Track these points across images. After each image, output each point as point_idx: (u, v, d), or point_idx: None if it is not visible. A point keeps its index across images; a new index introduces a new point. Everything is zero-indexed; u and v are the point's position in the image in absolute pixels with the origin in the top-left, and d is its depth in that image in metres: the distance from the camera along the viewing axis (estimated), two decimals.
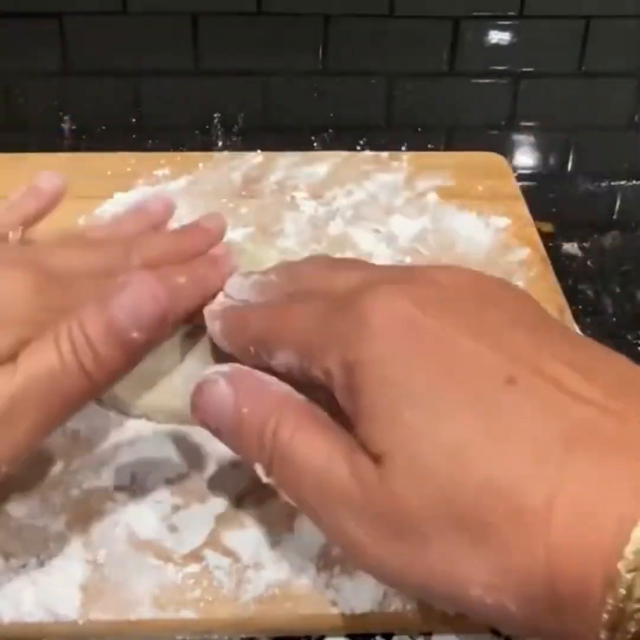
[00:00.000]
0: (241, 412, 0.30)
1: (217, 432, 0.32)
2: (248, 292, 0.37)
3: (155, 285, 0.30)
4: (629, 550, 0.22)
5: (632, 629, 0.23)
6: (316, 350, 0.30)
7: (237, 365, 0.32)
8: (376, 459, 0.27)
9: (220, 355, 0.40)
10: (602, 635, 0.23)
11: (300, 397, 0.31)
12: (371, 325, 0.28)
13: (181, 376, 0.40)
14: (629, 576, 0.22)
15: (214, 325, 0.37)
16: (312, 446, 0.28)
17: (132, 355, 0.31)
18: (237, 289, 0.38)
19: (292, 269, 0.37)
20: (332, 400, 0.30)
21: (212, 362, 0.40)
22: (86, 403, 0.31)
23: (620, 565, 0.22)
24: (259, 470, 0.30)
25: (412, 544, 0.26)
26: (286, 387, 0.31)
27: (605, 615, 0.23)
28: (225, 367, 0.32)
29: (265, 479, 0.30)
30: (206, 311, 0.38)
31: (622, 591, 0.22)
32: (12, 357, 0.30)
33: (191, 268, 0.38)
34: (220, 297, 0.39)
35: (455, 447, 0.25)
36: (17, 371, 0.29)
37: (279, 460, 0.29)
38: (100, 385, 0.31)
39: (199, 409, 0.32)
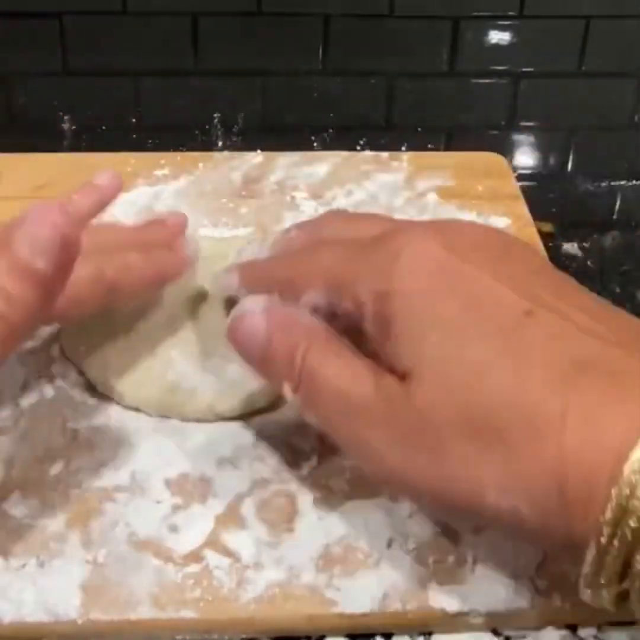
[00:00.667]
0: (272, 340, 0.33)
1: (249, 359, 0.34)
2: (267, 252, 0.39)
3: (51, 210, 0.29)
4: (634, 454, 0.25)
5: (632, 525, 0.25)
6: (348, 282, 0.32)
7: (272, 297, 0.34)
8: (402, 376, 0.29)
9: (218, 351, 0.40)
10: (605, 532, 0.25)
11: (327, 327, 0.33)
12: (405, 260, 0.30)
13: (174, 370, 0.40)
14: (633, 477, 0.24)
15: (230, 278, 0.38)
16: (338, 368, 0.31)
17: (42, 286, 0.30)
18: (254, 251, 0.40)
19: (313, 222, 0.39)
20: (352, 334, 0.32)
21: (206, 357, 0.40)
22: (10, 349, 0.31)
23: (626, 467, 0.25)
24: (286, 389, 0.32)
25: (432, 452, 0.28)
26: (314, 319, 0.33)
27: (608, 513, 0.25)
28: (260, 299, 0.34)
29: (290, 397, 0.32)
30: (218, 278, 0.39)
31: (626, 490, 0.24)
32: None
33: (144, 247, 0.39)
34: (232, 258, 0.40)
35: (477, 365, 0.28)
36: None
37: (306, 381, 0.31)
38: (18, 327, 0.30)
39: (234, 338, 0.34)
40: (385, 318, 0.30)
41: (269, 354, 0.33)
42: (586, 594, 0.27)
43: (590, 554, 0.26)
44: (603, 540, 0.25)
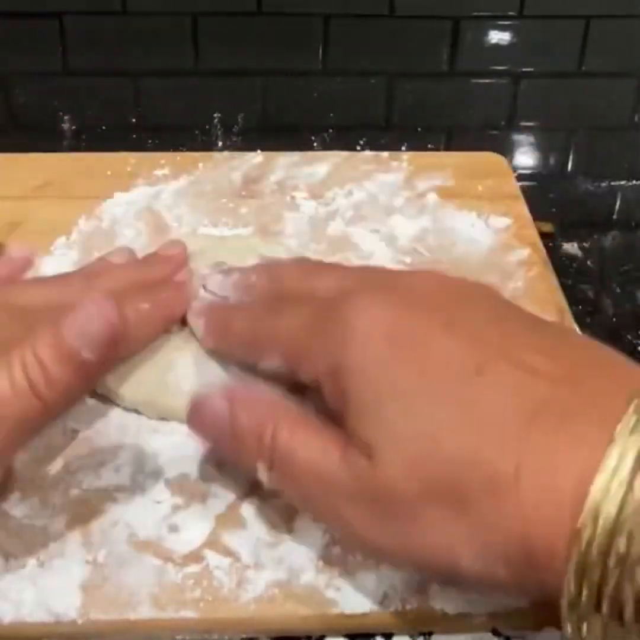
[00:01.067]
0: (238, 421, 0.32)
1: (215, 442, 0.35)
2: (229, 290, 0.39)
3: (105, 304, 0.31)
4: (586, 508, 0.25)
5: (595, 578, 0.25)
6: (303, 359, 0.33)
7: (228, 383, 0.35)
8: (365, 450, 0.29)
9: (212, 352, 0.40)
10: (572, 586, 0.26)
11: (292, 402, 0.33)
12: (354, 332, 0.31)
13: (174, 373, 0.40)
14: (586, 532, 0.25)
15: (197, 324, 0.39)
16: (308, 444, 0.31)
17: (84, 375, 0.32)
18: (218, 285, 0.40)
19: (272, 271, 0.39)
20: (318, 398, 0.33)
21: (205, 360, 0.40)
22: (44, 425, 0.33)
23: (580, 523, 0.25)
24: (261, 471, 0.32)
25: (403, 523, 0.29)
26: (277, 393, 0.34)
27: (571, 568, 0.25)
28: (217, 385, 0.35)
29: (266, 480, 0.32)
30: (189, 309, 0.40)
31: (583, 545, 0.25)
32: None
33: (154, 293, 0.39)
34: (201, 292, 0.40)
35: (432, 432, 0.28)
36: None
37: (279, 461, 0.32)
38: (55, 407, 0.32)
39: (197, 424, 0.34)
40: (341, 393, 0.31)
41: (237, 436, 0.33)
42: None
43: (564, 606, 0.26)
44: (572, 592, 0.26)
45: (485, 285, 0.34)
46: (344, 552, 0.34)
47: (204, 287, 0.40)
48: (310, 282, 0.36)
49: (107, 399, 0.40)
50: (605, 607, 0.25)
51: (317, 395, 0.33)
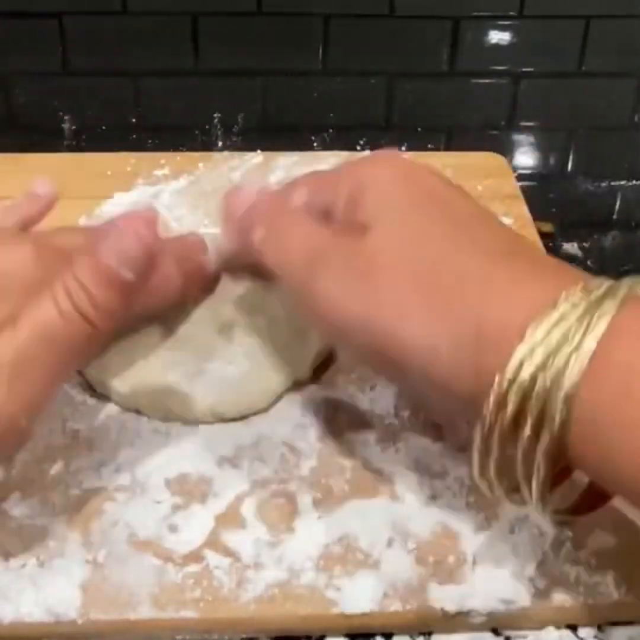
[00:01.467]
0: (257, 204, 0.37)
1: (232, 213, 0.39)
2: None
3: (136, 221, 0.32)
4: (528, 334, 0.28)
5: (519, 394, 0.28)
6: (330, 182, 0.36)
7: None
8: (363, 230, 0.33)
9: (218, 352, 0.40)
10: (498, 389, 0.28)
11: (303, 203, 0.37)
12: (382, 167, 0.35)
13: (174, 372, 0.40)
14: (524, 358, 0.28)
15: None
16: (306, 227, 0.35)
17: (126, 294, 0.32)
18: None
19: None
20: None
21: (207, 361, 0.40)
22: (93, 349, 0.34)
23: (519, 353, 0.28)
24: (257, 234, 0.36)
25: (372, 285, 0.32)
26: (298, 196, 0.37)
27: (507, 373, 0.28)
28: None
29: (257, 244, 0.36)
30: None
31: (519, 363, 0.28)
32: (14, 318, 0.31)
33: (177, 260, 0.40)
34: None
35: (432, 231, 0.32)
36: (18, 327, 0.31)
37: (273, 235, 0.35)
38: (102, 329, 0.32)
39: (229, 200, 0.39)
40: (356, 198, 0.34)
41: (250, 212, 0.37)
42: (481, 484, 0.30)
43: (486, 411, 0.28)
44: (497, 397, 0.28)
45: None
46: (344, 552, 0.34)
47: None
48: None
49: (108, 399, 0.40)
50: (529, 418, 0.28)
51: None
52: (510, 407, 0.28)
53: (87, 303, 0.31)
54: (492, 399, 0.28)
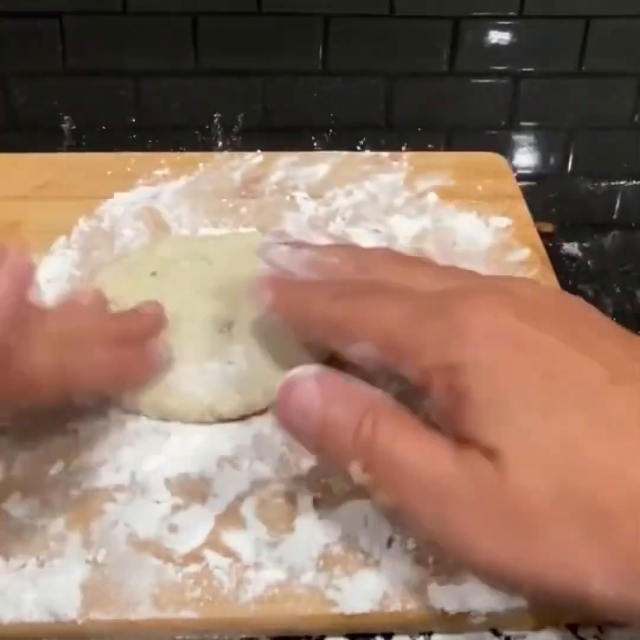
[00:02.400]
0: (331, 410, 0.30)
1: (302, 434, 0.31)
2: (298, 267, 0.36)
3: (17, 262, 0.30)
4: None
5: None
6: (409, 349, 0.30)
7: (324, 367, 0.31)
8: (488, 454, 0.27)
9: (217, 352, 0.40)
10: None
11: (391, 400, 0.30)
12: (473, 331, 0.28)
13: (174, 372, 0.40)
14: None
15: (262, 295, 0.36)
16: (414, 446, 0.28)
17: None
18: (284, 259, 0.37)
19: (359, 255, 0.36)
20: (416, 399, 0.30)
21: (207, 361, 0.40)
22: None
23: None
24: (355, 470, 0.29)
25: (527, 537, 0.26)
26: (376, 390, 0.31)
27: None
28: (312, 368, 0.31)
29: (359, 479, 0.30)
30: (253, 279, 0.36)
31: None
32: None
33: (112, 349, 0.37)
34: (260, 262, 0.37)
35: (570, 439, 0.26)
36: None
37: (379, 461, 0.29)
38: None
39: (285, 409, 0.31)
40: (457, 391, 0.28)
41: (328, 429, 0.30)
42: None
43: None
44: None
45: (594, 308, 0.32)
46: (344, 552, 0.34)
47: (265, 259, 0.37)
48: (407, 275, 0.34)
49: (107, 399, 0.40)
50: None
51: (418, 394, 0.30)
52: None
53: None
54: None
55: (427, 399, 0.30)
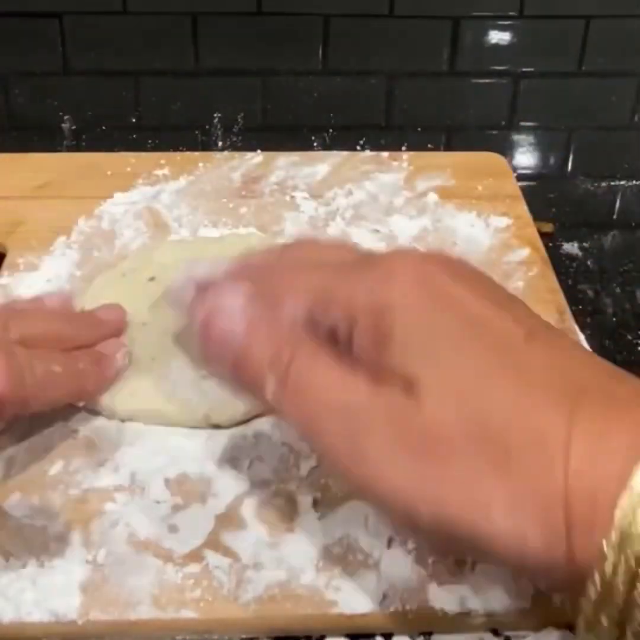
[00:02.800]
0: (252, 338, 0.31)
1: (221, 356, 0.32)
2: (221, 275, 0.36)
3: None
4: (634, 481, 0.24)
5: (637, 547, 0.24)
6: (332, 301, 0.31)
7: (251, 295, 0.32)
8: (406, 385, 0.28)
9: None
10: (609, 558, 0.25)
11: (312, 338, 0.31)
12: (404, 277, 0.30)
13: (168, 380, 0.39)
14: (633, 505, 0.24)
15: (184, 291, 0.36)
16: (329, 374, 0.29)
17: None
18: (207, 268, 0.36)
19: (285, 246, 0.38)
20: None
21: (197, 364, 0.40)
22: None
23: (626, 494, 0.25)
24: (269, 385, 0.30)
25: (436, 466, 0.27)
26: (298, 315, 0.31)
27: (613, 534, 0.24)
28: (239, 293, 0.32)
29: (271, 397, 0.30)
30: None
31: (629, 517, 0.24)
32: None
33: (71, 359, 0.37)
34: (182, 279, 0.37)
35: (484, 377, 0.27)
36: None
37: (293, 382, 0.30)
38: None
39: (208, 332, 0.32)
40: (382, 330, 0.29)
41: (247, 355, 0.31)
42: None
43: (592, 587, 0.25)
44: (607, 567, 0.25)
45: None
46: (344, 552, 0.34)
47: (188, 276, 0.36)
48: (333, 253, 0.34)
49: None
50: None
51: (341, 340, 0.31)
52: (621, 586, 0.25)
53: None
54: (609, 559, 0.25)
55: (354, 341, 0.30)
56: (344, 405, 0.29)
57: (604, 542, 0.25)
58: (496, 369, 0.28)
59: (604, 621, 0.25)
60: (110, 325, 0.40)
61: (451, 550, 0.32)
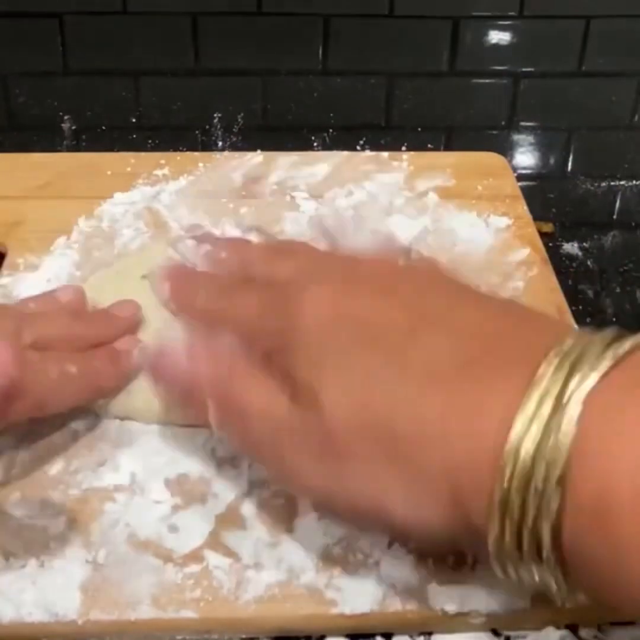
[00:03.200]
0: (192, 369, 0.34)
1: (170, 387, 0.36)
2: (199, 259, 0.41)
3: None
4: (507, 448, 0.26)
5: (516, 515, 0.26)
6: (256, 338, 0.35)
7: (190, 330, 0.37)
8: (311, 397, 0.31)
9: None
10: (496, 524, 0.27)
11: (243, 354, 0.34)
12: (302, 318, 0.33)
13: None
14: (507, 469, 0.26)
15: (163, 286, 0.40)
16: (260, 389, 0.33)
17: None
18: (188, 250, 0.42)
19: (243, 251, 0.41)
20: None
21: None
22: None
23: (501, 461, 0.26)
24: (211, 409, 0.34)
25: (338, 463, 0.30)
26: (232, 345, 0.35)
27: (494, 505, 0.27)
28: (179, 334, 0.37)
29: (213, 419, 0.34)
30: (157, 269, 0.41)
31: (505, 482, 0.26)
32: None
33: (86, 358, 0.38)
34: (170, 251, 0.43)
35: (370, 376, 0.30)
36: None
37: (229, 401, 0.33)
38: None
39: (157, 372, 0.36)
40: (289, 356, 0.32)
41: (191, 384, 0.34)
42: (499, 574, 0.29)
43: (491, 546, 0.27)
44: (496, 529, 0.27)
45: (433, 265, 0.38)
46: (344, 552, 0.34)
47: (175, 247, 0.42)
48: (273, 266, 0.38)
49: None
50: (525, 544, 0.27)
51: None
52: (509, 529, 0.27)
53: None
54: (496, 519, 0.27)
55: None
56: (270, 418, 0.32)
57: (491, 504, 0.27)
58: (380, 369, 0.30)
59: (510, 568, 0.28)
60: (124, 322, 0.40)
61: (364, 524, 0.34)
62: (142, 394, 0.39)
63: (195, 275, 0.41)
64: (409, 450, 0.29)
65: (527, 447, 0.26)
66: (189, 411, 0.36)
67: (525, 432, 0.26)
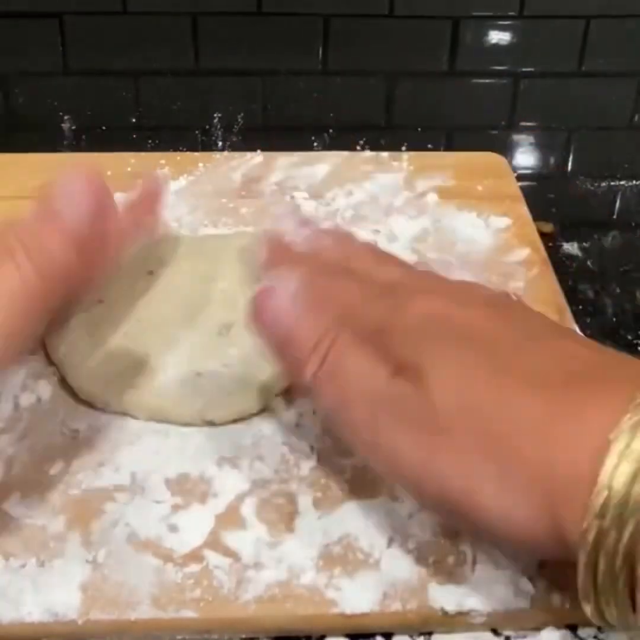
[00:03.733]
0: (298, 324, 0.34)
1: (268, 336, 0.35)
2: (300, 237, 0.40)
3: (90, 175, 0.34)
4: (609, 460, 0.26)
5: (614, 533, 0.26)
6: (358, 319, 0.34)
7: (304, 278, 0.35)
8: (416, 374, 0.31)
9: (212, 356, 0.40)
10: (590, 523, 0.26)
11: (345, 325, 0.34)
12: (410, 310, 0.33)
13: (164, 375, 0.39)
14: (608, 482, 0.26)
15: (259, 252, 0.40)
16: (362, 365, 0.33)
17: (83, 251, 0.33)
18: (291, 227, 0.41)
19: (347, 244, 0.41)
20: None
21: (197, 361, 0.40)
22: (50, 307, 0.34)
23: (602, 473, 0.26)
24: (309, 367, 0.33)
25: (436, 442, 0.30)
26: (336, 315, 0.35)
27: (591, 519, 0.26)
28: (292, 279, 0.35)
29: (308, 378, 0.33)
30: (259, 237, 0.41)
31: (604, 493, 0.26)
32: None
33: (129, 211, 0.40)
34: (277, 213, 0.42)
35: (475, 368, 0.31)
36: None
37: (330, 369, 0.33)
38: (57, 285, 0.33)
39: (260, 311, 0.35)
40: (393, 332, 0.33)
41: (294, 338, 0.34)
42: (588, 610, 0.28)
43: (582, 562, 0.27)
44: (589, 546, 0.26)
45: (521, 302, 0.39)
46: (344, 552, 0.34)
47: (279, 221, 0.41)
48: (377, 267, 0.38)
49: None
50: (617, 569, 0.26)
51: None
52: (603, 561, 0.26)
53: (45, 260, 0.32)
54: (590, 538, 0.26)
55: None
56: (368, 391, 0.32)
57: (585, 523, 0.26)
58: (485, 365, 0.31)
59: (602, 594, 0.27)
60: (151, 191, 0.43)
61: (446, 515, 0.34)
62: (140, 389, 0.39)
63: (299, 252, 0.40)
64: (507, 447, 0.29)
65: (618, 486, 0.26)
66: (283, 361, 0.35)
67: (616, 467, 0.26)
